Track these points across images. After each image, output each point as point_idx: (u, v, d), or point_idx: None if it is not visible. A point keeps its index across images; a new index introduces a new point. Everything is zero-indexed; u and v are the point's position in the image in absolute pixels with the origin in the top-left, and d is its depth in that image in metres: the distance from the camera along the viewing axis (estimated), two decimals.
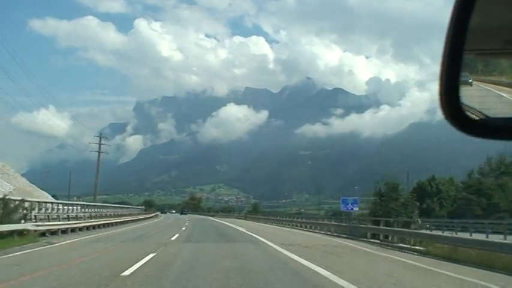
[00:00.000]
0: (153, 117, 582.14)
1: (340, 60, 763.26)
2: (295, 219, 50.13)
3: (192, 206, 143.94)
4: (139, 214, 63.83)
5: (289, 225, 46.48)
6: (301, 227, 42.21)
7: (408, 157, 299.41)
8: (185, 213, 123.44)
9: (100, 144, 65.12)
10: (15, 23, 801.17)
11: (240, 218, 78.36)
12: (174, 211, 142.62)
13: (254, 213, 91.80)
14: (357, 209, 41.94)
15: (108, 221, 36.38)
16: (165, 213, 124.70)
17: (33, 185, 46.04)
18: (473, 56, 1.62)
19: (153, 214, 79.93)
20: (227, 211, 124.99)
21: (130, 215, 55.17)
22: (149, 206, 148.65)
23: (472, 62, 1.63)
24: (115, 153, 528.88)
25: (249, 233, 29.91)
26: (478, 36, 1.51)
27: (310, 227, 39.18)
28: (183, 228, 34.86)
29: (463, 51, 1.51)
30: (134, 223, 45.42)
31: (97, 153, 64.40)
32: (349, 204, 42.39)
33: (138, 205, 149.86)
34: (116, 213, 49.27)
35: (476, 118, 1.58)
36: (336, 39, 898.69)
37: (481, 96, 1.62)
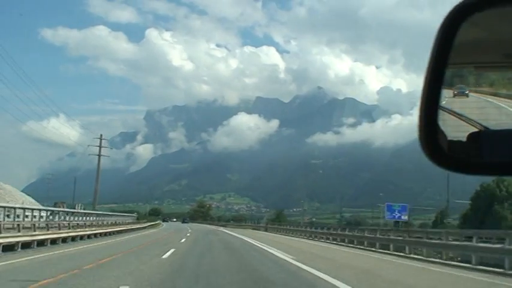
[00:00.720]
0: (164, 126, 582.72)
1: (350, 70, 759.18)
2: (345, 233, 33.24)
3: (201, 215, 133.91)
4: (128, 224, 51.86)
5: (323, 238, 34.78)
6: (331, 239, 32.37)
7: (420, 166, 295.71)
8: (187, 222, 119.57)
9: (100, 147, 61.52)
10: (27, 32, 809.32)
11: (258, 229, 63.28)
12: (175, 219, 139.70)
13: (277, 222, 77.41)
14: (406, 217, 37.35)
15: (81, 233, 29.39)
16: (167, 221, 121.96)
17: (9, 185, 41.42)
18: (472, 68, 1.60)
19: (147, 224, 65.79)
20: (238, 220, 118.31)
21: (116, 225, 44.26)
22: (156, 214, 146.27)
23: (470, 75, 1.61)
24: (125, 162, 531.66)
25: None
26: (477, 50, 1.50)
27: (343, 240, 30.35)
28: (167, 255, 18.84)
29: (441, 85, 1.47)
30: (113, 236, 35.86)
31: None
32: (396, 212, 37.26)
33: (145, 214, 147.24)
34: (99, 223, 40.22)
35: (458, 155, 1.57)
36: (347, 49, 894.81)
37: (461, 126, 1.58)
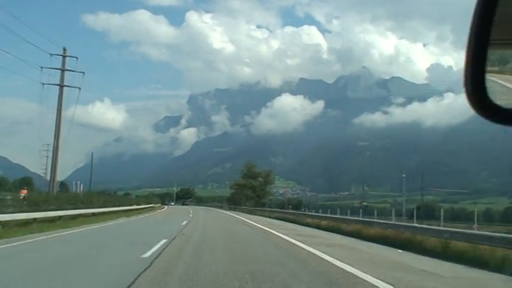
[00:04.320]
0: (207, 110, 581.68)
1: (396, 48, 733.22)
2: None
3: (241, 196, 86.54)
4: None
5: None
6: None
7: (476, 148, 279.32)
8: (186, 205, 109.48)
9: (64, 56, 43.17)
10: (69, 18, 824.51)
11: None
12: (172, 203, 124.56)
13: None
14: None
15: None
16: (175, 205, 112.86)
17: None
18: (502, 46, 1.56)
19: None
20: (294, 204, 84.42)
21: None
22: (186, 197, 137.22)
23: (499, 53, 1.56)
24: (170, 146, 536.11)
25: None
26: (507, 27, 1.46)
27: None
28: None
29: (488, 41, 1.44)
30: None
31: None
32: None
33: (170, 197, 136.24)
34: None
35: (504, 106, 1.54)
36: (392, 26, 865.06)
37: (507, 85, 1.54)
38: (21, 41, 40.53)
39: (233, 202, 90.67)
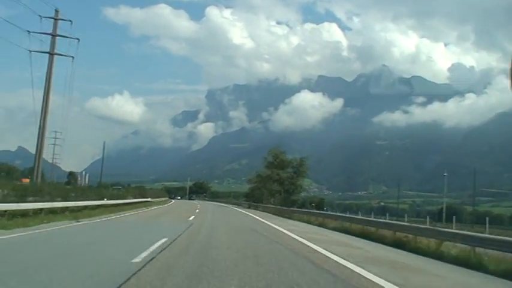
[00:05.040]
0: (225, 105, 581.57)
1: (417, 47, 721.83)
2: None
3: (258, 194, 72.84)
4: None
5: None
6: None
7: (496, 149, 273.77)
8: (193, 199, 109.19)
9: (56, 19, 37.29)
10: (90, 11, 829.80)
11: None
12: (179, 197, 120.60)
13: None
14: None
15: None
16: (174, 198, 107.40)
17: None
18: None
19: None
20: (316, 203, 78.44)
21: None
22: (199, 192, 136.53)
23: None
24: (187, 141, 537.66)
25: None
26: None
27: None
28: None
29: None
30: None
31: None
32: None
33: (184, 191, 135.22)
34: None
35: None
36: (413, 24, 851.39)
37: None
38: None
39: (252, 198, 76.05)
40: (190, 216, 30.54)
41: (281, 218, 37.59)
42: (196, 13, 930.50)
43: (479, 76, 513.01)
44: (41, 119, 35.71)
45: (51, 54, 36.69)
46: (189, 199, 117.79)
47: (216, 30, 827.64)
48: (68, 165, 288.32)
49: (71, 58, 38.33)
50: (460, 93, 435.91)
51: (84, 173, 58.90)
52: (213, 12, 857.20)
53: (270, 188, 66.11)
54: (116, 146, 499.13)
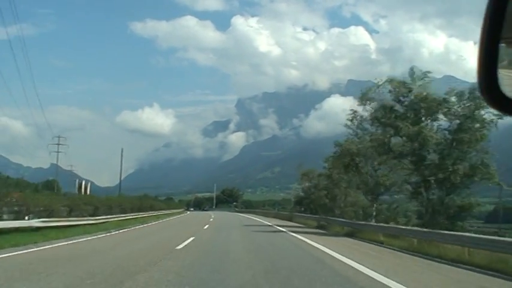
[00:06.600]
0: (255, 114, 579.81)
1: (445, 47, 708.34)
2: None
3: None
4: None
5: None
6: None
7: None
8: (206, 210, 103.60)
9: None
10: (117, 26, 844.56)
11: None
12: (192, 208, 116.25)
13: None
14: None
15: None
16: (201, 210, 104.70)
17: None
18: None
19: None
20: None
21: None
22: (229, 201, 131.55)
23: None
24: (218, 151, 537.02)
25: None
26: None
27: None
28: None
29: (499, 39, 1.54)
30: None
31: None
32: None
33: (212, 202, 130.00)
34: None
35: None
36: (441, 24, 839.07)
37: None
38: None
39: (309, 207, 47.15)
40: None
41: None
42: (222, 23, 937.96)
43: None
44: None
45: None
46: (202, 210, 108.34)
47: (243, 39, 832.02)
48: (102, 180, 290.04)
49: None
50: None
51: (84, 182, 55.63)
52: (238, 21, 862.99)
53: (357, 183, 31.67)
54: (148, 159, 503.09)
